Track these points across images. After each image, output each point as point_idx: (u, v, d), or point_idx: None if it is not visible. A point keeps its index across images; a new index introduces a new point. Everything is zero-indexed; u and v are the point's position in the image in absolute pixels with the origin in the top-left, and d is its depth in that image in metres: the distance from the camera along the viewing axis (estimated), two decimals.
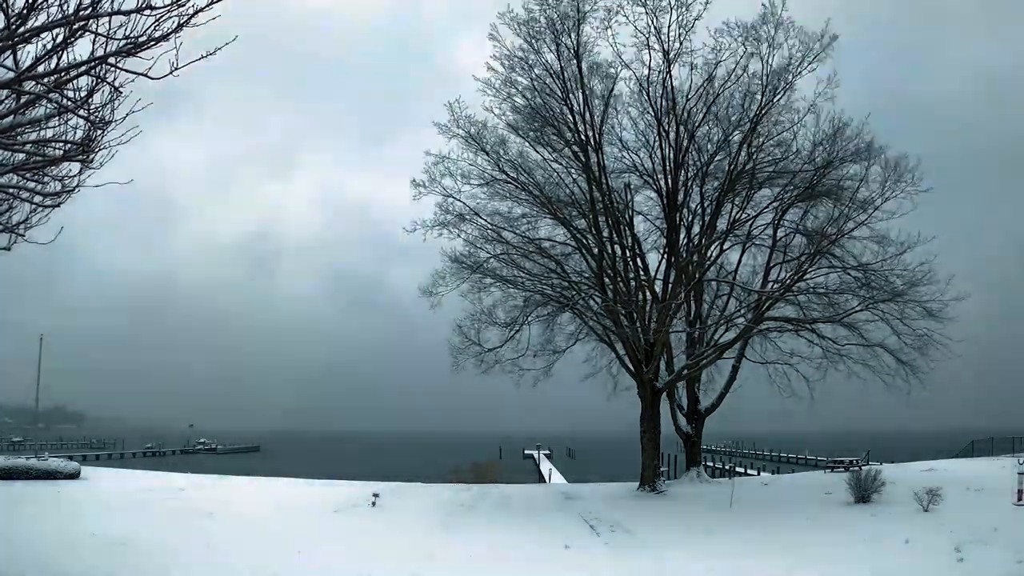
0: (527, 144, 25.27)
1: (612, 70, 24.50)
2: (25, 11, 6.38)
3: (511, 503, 23.01)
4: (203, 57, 6.02)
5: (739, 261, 26.83)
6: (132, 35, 6.16)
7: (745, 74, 23.63)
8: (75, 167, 7.80)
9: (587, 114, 24.52)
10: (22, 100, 7.09)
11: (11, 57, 6.68)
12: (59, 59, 6.45)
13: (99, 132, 7.26)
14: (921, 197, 23.08)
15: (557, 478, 49.69)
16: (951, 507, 16.86)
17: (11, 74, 6.72)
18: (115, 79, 6.75)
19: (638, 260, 26.33)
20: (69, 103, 6.80)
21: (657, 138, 25.21)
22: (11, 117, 7.14)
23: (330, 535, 16.21)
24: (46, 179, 7.97)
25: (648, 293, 25.66)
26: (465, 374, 25.79)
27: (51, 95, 6.73)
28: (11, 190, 7.91)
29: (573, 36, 23.65)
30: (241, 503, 21.47)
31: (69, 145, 7.42)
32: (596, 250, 25.21)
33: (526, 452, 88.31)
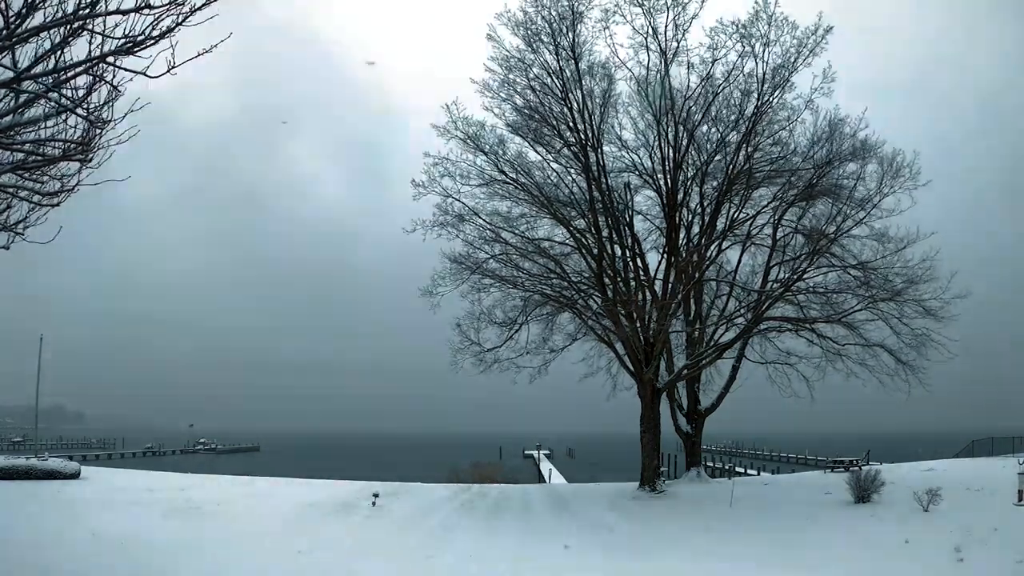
0: (526, 144, 25.28)
1: (610, 70, 24.54)
2: (24, 11, 6.38)
3: (511, 503, 23.00)
4: (199, 55, 6.02)
5: (739, 261, 26.81)
6: (130, 34, 6.16)
7: (742, 73, 23.65)
8: (74, 166, 7.79)
9: (586, 113, 24.49)
10: (21, 100, 7.09)
11: (9, 57, 6.68)
12: (57, 59, 6.45)
13: (98, 131, 7.25)
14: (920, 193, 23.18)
15: (557, 478, 49.70)
16: (951, 507, 16.86)
17: (10, 74, 6.72)
18: (113, 78, 6.75)
19: (638, 260, 26.30)
20: (67, 102, 6.80)
21: (656, 137, 25.19)
22: (10, 117, 7.14)
23: (330, 535, 16.20)
24: (44, 178, 7.96)
25: (648, 293, 25.64)
26: (465, 374, 25.81)
27: (50, 94, 6.73)
28: (10, 189, 7.91)
29: (570, 36, 23.64)
30: (241, 503, 21.46)
31: (68, 144, 7.42)
32: (596, 250, 25.20)
33: (526, 452, 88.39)
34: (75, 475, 26.25)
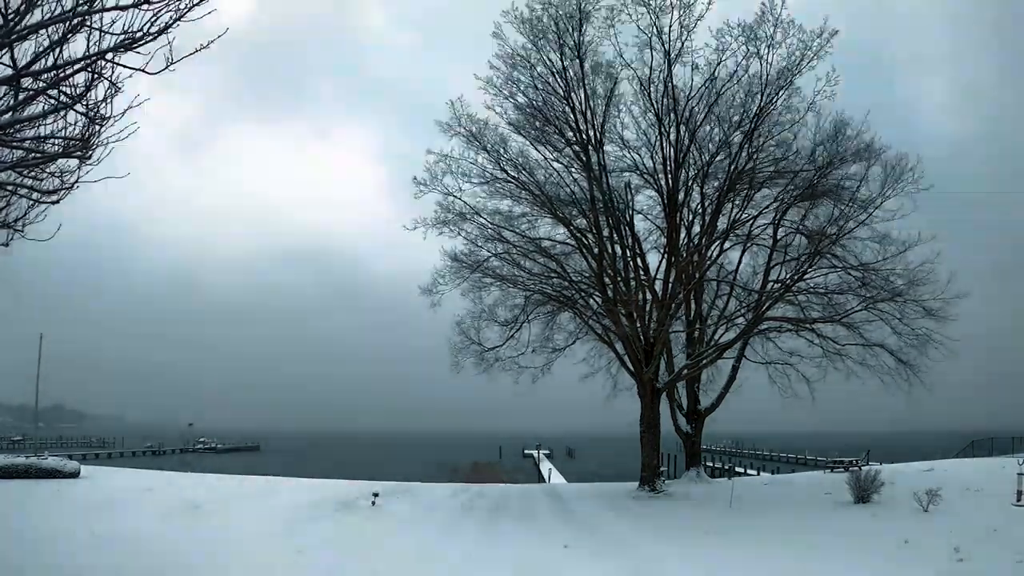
0: (528, 143, 25.24)
1: (614, 70, 24.45)
2: (22, 7, 6.37)
3: (510, 503, 22.98)
4: (197, 51, 6.01)
5: (739, 261, 26.83)
6: (129, 30, 6.16)
7: (746, 75, 23.59)
8: (73, 163, 7.79)
9: (589, 113, 24.45)
10: (20, 97, 7.08)
11: (9, 54, 6.66)
12: (56, 55, 6.44)
13: (97, 128, 7.24)
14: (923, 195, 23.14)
15: (557, 478, 49.69)
16: (951, 507, 16.84)
17: (9, 71, 6.70)
18: (112, 74, 6.74)
19: (638, 260, 26.28)
20: (67, 99, 6.79)
21: (658, 137, 25.14)
22: (9, 114, 7.12)
23: (330, 535, 16.18)
24: (44, 175, 7.95)
25: (648, 293, 25.63)
26: (465, 374, 25.83)
27: (49, 91, 6.72)
28: (9, 187, 7.90)
29: (576, 35, 23.60)
30: (241, 502, 21.44)
31: (68, 141, 7.41)
32: (596, 249, 25.18)
33: (526, 452, 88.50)
34: (75, 474, 26.21)
